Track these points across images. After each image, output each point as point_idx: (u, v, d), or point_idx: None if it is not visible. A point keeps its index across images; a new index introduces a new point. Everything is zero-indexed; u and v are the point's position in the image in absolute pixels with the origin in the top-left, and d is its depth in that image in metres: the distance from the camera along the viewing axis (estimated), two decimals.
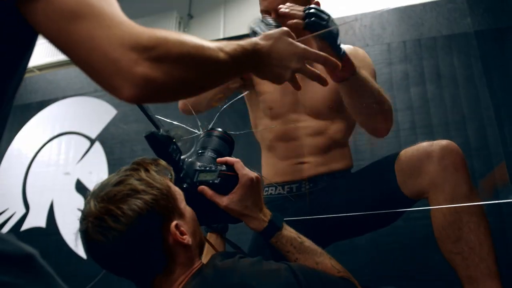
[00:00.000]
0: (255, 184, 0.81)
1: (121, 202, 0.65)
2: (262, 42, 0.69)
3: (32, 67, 3.33)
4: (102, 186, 0.70)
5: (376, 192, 1.06)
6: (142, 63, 0.47)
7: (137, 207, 0.65)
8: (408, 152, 1.02)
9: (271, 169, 1.24)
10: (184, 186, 0.80)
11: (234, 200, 0.80)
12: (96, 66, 0.46)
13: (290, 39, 0.72)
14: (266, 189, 1.26)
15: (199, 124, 0.99)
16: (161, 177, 0.72)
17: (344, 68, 0.93)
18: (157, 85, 0.49)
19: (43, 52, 3.28)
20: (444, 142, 0.98)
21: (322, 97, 1.16)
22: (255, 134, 1.33)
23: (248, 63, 0.67)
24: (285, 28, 0.73)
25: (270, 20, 1.02)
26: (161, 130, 0.79)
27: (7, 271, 0.43)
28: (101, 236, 0.64)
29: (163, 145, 0.77)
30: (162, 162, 0.76)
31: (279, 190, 1.21)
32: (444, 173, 0.94)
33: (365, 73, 1.03)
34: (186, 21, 3.11)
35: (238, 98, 1.12)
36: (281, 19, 1.00)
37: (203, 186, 0.80)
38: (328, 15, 0.96)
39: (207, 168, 0.82)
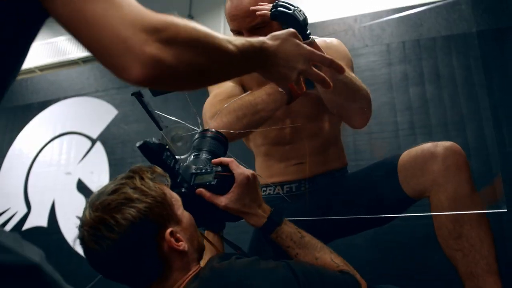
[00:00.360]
0: (251, 182, 0.82)
1: (115, 211, 0.66)
2: (269, 42, 0.69)
3: (33, 67, 3.35)
4: (99, 194, 0.70)
5: (377, 190, 1.07)
6: (152, 44, 0.47)
7: (131, 216, 0.66)
8: (411, 152, 1.04)
9: (268, 170, 1.24)
10: (182, 191, 0.81)
11: (232, 199, 0.80)
12: (106, 45, 0.47)
13: (297, 41, 0.72)
14: (264, 189, 1.26)
15: (199, 121, 0.99)
16: (157, 185, 0.72)
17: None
18: (165, 67, 0.49)
19: (45, 53, 3.29)
20: (448, 143, 0.99)
21: (313, 99, 1.15)
22: (245, 143, 1.32)
23: (255, 60, 0.67)
24: (292, 30, 0.73)
25: None
26: (153, 138, 0.79)
27: (12, 283, 0.43)
28: (96, 245, 0.66)
29: (156, 153, 0.78)
30: (158, 169, 0.76)
31: (278, 190, 1.22)
32: (447, 173, 0.95)
33: None
34: None
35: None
36: (255, 36, 0.98)
37: (200, 189, 0.81)
38: (296, 7, 0.99)
39: (203, 171, 0.83)
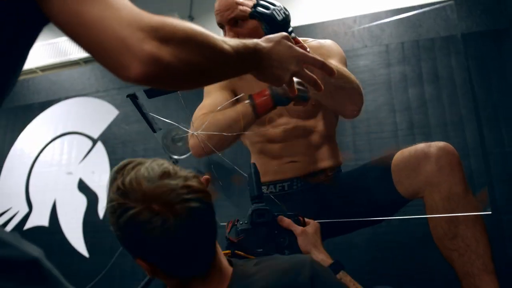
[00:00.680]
0: (319, 229, 0.92)
1: (189, 180, 0.64)
2: (263, 44, 0.70)
3: (35, 68, 3.36)
4: (150, 179, 0.62)
5: (371, 190, 1.08)
6: (150, 42, 0.48)
7: (202, 186, 0.66)
8: (405, 152, 1.04)
9: (262, 168, 1.24)
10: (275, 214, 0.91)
11: (309, 230, 0.89)
12: (104, 46, 0.48)
13: (290, 43, 0.74)
14: None
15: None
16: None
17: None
18: (163, 65, 0.50)
19: (46, 53, 3.31)
20: (441, 143, 1.00)
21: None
22: (242, 140, 1.34)
23: (250, 61, 0.68)
24: (284, 33, 0.75)
25: None
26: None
27: (12, 278, 0.43)
28: (196, 202, 0.62)
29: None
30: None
31: (271, 189, 1.23)
32: (440, 173, 0.96)
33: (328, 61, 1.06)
34: None
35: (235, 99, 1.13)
36: (235, 29, 1.09)
37: (282, 216, 0.90)
38: (277, 6, 1.04)
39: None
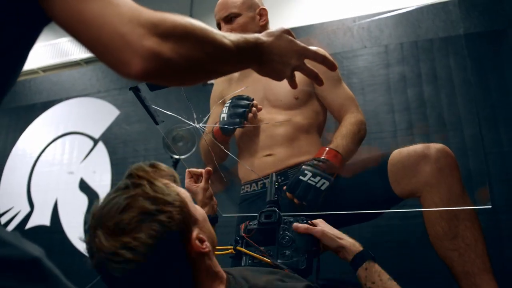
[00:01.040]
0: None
1: (136, 231, 0.58)
2: (263, 38, 0.69)
3: (36, 68, 3.38)
4: (108, 212, 0.60)
5: (367, 188, 1.08)
6: (150, 38, 0.48)
7: (155, 232, 0.58)
8: (402, 152, 1.05)
9: (244, 167, 1.28)
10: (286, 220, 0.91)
11: (327, 229, 0.86)
12: (105, 42, 0.48)
13: (290, 37, 0.73)
14: (242, 187, 1.29)
15: (195, 116, 1.02)
16: (167, 186, 0.65)
17: (339, 169, 1.10)
18: (164, 60, 0.50)
19: (48, 54, 3.32)
20: (439, 145, 1.01)
21: (287, 90, 1.18)
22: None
23: (251, 55, 0.67)
24: (285, 27, 0.75)
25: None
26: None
27: (13, 277, 0.43)
28: (120, 272, 0.58)
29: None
30: (161, 166, 0.69)
31: (254, 187, 1.24)
32: (439, 174, 0.97)
33: (343, 145, 1.15)
34: None
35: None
36: (229, 26, 1.28)
37: (297, 223, 0.88)
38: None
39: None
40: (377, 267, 0.81)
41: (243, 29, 1.27)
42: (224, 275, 0.70)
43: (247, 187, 1.27)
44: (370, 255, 0.83)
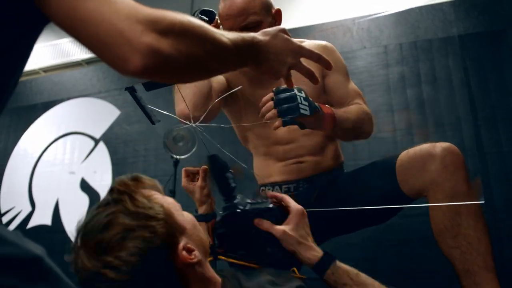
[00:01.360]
0: (305, 215, 0.81)
1: (117, 250, 0.56)
2: (260, 37, 0.69)
3: (37, 68, 3.39)
4: (89, 230, 0.60)
5: (376, 190, 1.08)
6: (148, 34, 0.48)
7: (137, 249, 0.57)
8: (410, 152, 1.05)
9: (266, 169, 1.26)
10: (238, 211, 0.81)
11: (290, 229, 0.78)
12: (104, 39, 0.47)
13: (286, 36, 0.73)
14: (263, 188, 1.28)
15: (191, 116, 1.01)
16: (151, 198, 0.63)
17: (324, 125, 1.04)
18: (163, 57, 0.49)
19: (49, 54, 3.33)
20: (445, 144, 1.01)
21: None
22: (244, 144, 1.35)
23: (248, 53, 0.67)
24: (281, 26, 0.75)
25: None
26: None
27: (15, 275, 0.43)
28: None
29: (223, 168, 0.80)
30: (144, 178, 0.66)
31: (277, 190, 1.23)
32: (445, 172, 0.97)
33: (341, 112, 1.09)
34: None
35: (230, 93, 1.14)
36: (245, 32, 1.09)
37: (259, 219, 0.81)
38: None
39: (259, 201, 0.84)
40: (342, 267, 0.76)
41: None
42: (219, 279, 0.69)
43: (269, 189, 1.24)
44: (331, 258, 0.77)
